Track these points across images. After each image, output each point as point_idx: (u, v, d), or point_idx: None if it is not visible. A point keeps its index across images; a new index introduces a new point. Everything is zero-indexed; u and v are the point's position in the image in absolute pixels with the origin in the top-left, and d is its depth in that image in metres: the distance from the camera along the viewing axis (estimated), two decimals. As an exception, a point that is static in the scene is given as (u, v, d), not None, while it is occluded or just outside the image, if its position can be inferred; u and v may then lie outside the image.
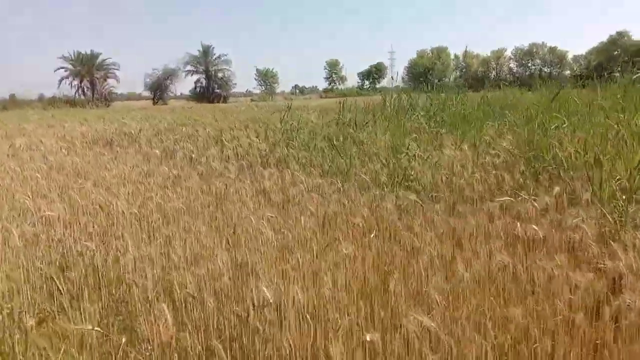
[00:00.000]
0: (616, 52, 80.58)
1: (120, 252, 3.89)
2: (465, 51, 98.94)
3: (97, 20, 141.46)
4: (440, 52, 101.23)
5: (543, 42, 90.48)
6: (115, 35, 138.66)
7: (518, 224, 3.83)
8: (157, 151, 8.48)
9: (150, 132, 12.20)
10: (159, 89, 66.91)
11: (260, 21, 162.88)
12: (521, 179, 5.35)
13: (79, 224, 4.54)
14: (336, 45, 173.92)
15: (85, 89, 61.08)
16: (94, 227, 4.48)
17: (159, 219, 4.76)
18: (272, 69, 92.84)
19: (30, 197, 5.23)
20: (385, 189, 5.38)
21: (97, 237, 4.26)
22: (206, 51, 71.54)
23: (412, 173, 5.95)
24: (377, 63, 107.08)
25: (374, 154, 7.39)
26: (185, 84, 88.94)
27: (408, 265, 3.28)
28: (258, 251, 3.71)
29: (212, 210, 4.99)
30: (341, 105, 10.80)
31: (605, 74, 71.08)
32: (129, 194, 5.86)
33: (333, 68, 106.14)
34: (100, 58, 62.78)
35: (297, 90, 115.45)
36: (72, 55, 61.68)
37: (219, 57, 72.66)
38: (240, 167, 7.19)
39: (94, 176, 7.07)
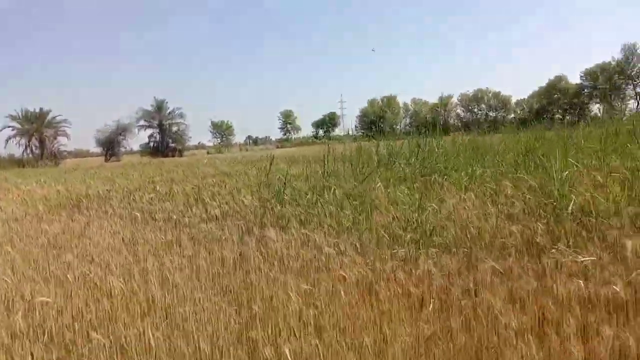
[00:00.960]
0: (556, 96, 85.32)
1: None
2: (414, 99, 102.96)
3: (43, 75, 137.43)
4: (390, 101, 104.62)
5: (487, 88, 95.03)
6: (60, 91, 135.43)
7: (581, 282, 3.48)
8: (137, 213, 7.77)
9: (120, 193, 11.38)
10: (111, 145, 65.18)
11: (213, 74, 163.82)
12: (556, 230, 5.03)
13: (79, 311, 3.83)
14: (288, 96, 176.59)
15: (34, 148, 58.68)
16: (95, 314, 3.79)
17: (165, 295, 4.12)
18: (227, 121, 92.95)
19: (10, 278, 4.47)
20: (410, 247, 4.94)
21: (102, 327, 3.58)
22: (160, 106, 70.88)
23: (430, 227, 5.55)
24: (330, 113, 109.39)
25: (376, 207, 6.99)
26: (137, 139, 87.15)
27: (504, 347, 2.80)
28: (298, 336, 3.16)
29: (229, 285, 4.39)
30: (324, 155, 10.42)
31: (548, 116, 74.63)
32: (120, 266, 5.18)
33: (287, 118, 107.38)
34: (50, 116, 60.79)
35: (251, 141, 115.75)
36: (20, 114, 59.53)
37: (173, 111, 72.11)
38: (236, 228, 6.62)
39: (72, 246, 6.32)
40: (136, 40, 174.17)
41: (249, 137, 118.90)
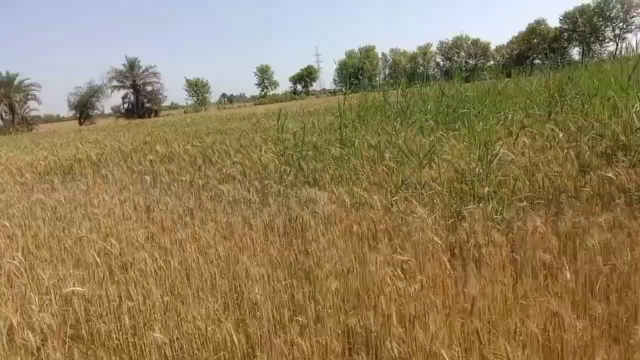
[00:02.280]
0: (535, 40, 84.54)
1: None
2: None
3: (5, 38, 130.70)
4: (368, 52, 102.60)
5: (466, 35, 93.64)
6: (29, 53, 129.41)
7: None
8: (147, 177, 6.90)
9: (115, 156, 10.40)
10: (84, 108, 62.49)
11: (185, 29, 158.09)
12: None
13: (123, 302, 3.05)
14: (262, 52, 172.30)
15: (3, 114, 55.82)
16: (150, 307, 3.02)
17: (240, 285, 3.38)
18: (203, 79, 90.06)
19: (20, 263, 3.65)
20: (490, 201, 4.25)
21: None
22: (132, 64, 67.86)
23: (497, 179, 4.85)
24: (308, 66, 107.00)
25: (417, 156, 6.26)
26: (109, 101, 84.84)
27: None
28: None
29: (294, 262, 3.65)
30: (340, 105, 9.55)
31: (527, 61, 74.20)
32: (148, 238, 4.39)
33: (264, 74, 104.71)
34: (17, 79, 57.51)
35: (225, 99, 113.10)
36: (-15, 79, 56.18)
37: (146, 69, 69.23)
38: (263, 189, 5.86)
39: (79, 218, 5.49)
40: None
41: (224, 95, 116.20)
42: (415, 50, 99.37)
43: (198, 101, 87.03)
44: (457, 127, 8.41)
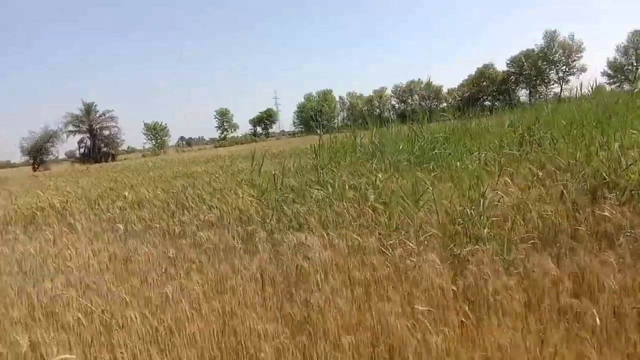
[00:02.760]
0: (485, 83, 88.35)
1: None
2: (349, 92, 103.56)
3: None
4: (325, 95, 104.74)
5: (419, 79, 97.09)
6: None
7: None
8: (121, 225, 6.53)
9: (80, 203, 9.89)
10: (39, 153, 60.40)
11: (140, 71, 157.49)
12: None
13: None
14: (218, 95, 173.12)
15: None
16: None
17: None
18: (161, 122, 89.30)
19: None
20: (487, 243, 4.17)
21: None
22: (89, 109, 66.67)
23: (489, 220, 4.80)
24: (267, 109, 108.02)
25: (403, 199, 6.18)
26: (64, 147, 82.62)
27: None
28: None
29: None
30: (315, 146, 9.48)
31: (478, 103, 77.21)
32: (129, 294, 4.07)
33: (223, 117, 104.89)
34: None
35: (184, 142, 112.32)
36: None
37: (103, 114, 68.10)
38: (247, 235, 5.62)
39: (50, 272, 5.08)
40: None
41: (182, 138, 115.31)
42: (372, 94, 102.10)
43: (157, 144, 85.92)
44: (431, 167, 8.45)
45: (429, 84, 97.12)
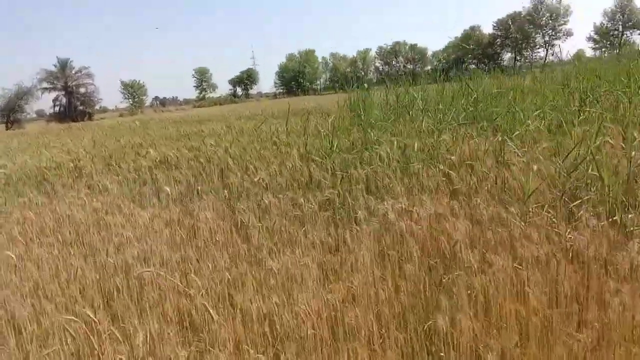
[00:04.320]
0: (471, 46, 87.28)
1: None
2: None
3: None
4: (308, 55, 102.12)
5: (404, 40, 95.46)
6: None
7: None
8: (168, 189, 5.67)
9: (92, 162, 8.89)
10: (12, 111, 57.56)
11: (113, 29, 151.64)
12: None
13: None
14: (196, 54, 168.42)
15: None
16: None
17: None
18: (139, 81, 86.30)
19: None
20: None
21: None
22: (64, 65, 63.63)
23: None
24: (248, 69, 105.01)
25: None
26: (38, 104, 79.52)
27: None
28: None
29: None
30: (355, 102, 8.63)
31: (463, 66, 76.61)
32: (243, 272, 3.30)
33: (203, 76, 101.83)
34: None
35: (158, 102, 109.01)
36: None
37: (79, 70, 65.17)
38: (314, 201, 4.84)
39: (105, 243, 4.25)
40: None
41: (157, 97, 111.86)
42: (355, 55, 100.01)
43: (134, 104, 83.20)
44: (482, 126, 7.73)
45: (413, 46, 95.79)
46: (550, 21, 79.24)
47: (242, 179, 6.13)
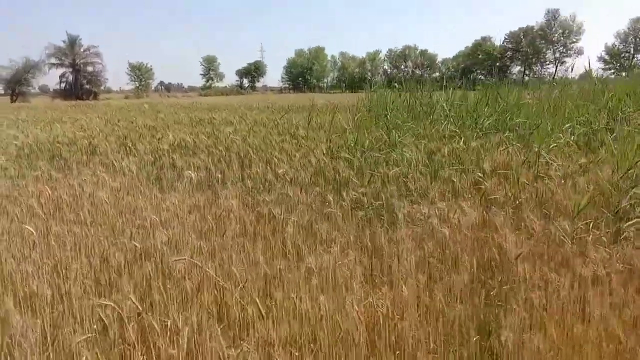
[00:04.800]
0: (480, 56, 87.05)
1: None
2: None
3: None
4: (317, 52, 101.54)
5: (415, 45, 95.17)
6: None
7: None
8: (192, 174, 5.46)
9: (106, 141, 8.67)
10: (18, 84, 57.03)
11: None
12: None
13: None
14: (206, 43, 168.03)
15: None
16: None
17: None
18: (147, 64, 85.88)
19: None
20: None
21: None
22: (73, 42, 63.22)
23: None
24: (256, 61, 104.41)
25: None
26: (44, 80, 79.11)
27: None
28: None
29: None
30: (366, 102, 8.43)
31: (471, 76, 76.30)
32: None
33: (210, 64, 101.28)
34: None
35: (162, 87, 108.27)
36: None
37: (87, 49, 64.75)
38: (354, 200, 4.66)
39: (131, 224, 4.06)
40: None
41: (162, 82, 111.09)
42: (364, 56, 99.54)
43: (141, 86, 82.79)
44: (508, 137, 7.54)
45: (423, 52, 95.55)
46: (562, 38, 79.07)
47: (265, 170, 5.94)
